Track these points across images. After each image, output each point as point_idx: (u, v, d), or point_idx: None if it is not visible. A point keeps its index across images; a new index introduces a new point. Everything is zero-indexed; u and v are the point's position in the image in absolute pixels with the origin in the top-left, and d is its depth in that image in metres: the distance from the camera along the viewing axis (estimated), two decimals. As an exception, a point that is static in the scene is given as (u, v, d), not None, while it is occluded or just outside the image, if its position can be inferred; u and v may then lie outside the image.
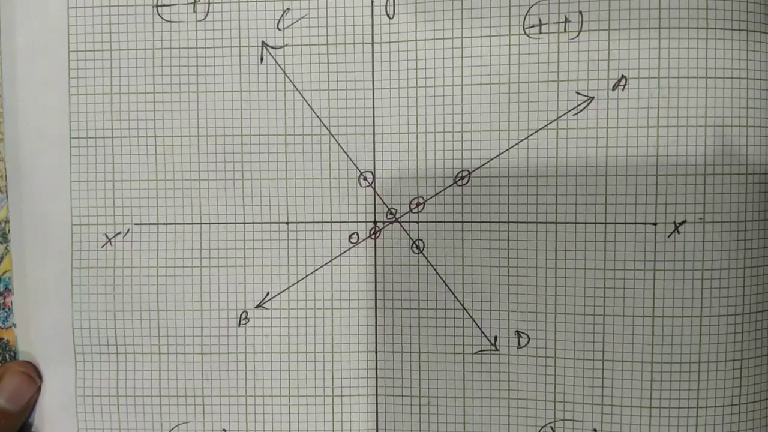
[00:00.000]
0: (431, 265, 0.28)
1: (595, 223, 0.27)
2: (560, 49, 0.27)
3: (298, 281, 0.29)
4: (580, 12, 0.27)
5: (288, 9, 0.28)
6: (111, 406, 0.30)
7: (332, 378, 0.29)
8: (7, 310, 0.30)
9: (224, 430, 0.30)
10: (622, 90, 0.27)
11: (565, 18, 0.27)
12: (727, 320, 0.27)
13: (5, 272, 0.30)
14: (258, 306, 0.29)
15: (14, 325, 0.30)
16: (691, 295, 0.27)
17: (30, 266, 0.30)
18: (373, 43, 0.28)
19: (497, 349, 0.28)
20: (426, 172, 0.28)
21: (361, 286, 0.29)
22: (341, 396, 0.29)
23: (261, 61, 0.29)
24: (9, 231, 0.30)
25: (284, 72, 0.29)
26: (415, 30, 0.28)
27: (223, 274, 0.29)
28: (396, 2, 0.28)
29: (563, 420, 0.28)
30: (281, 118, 0.29)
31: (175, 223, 0.29)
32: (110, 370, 0.30)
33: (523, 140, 0.27)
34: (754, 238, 0.27)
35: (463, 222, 0.28)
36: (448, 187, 0.28)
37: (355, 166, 0.29)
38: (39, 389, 0.29)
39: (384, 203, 0.29)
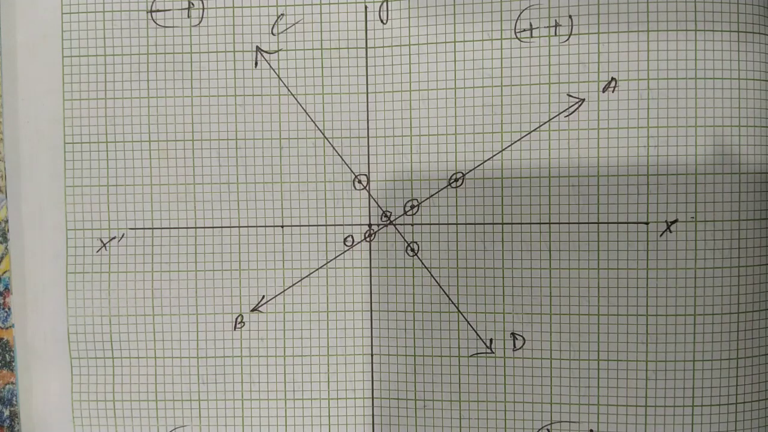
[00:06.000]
0: (426, 268, 0.30)
1: (588, 223, 0.29)
2: (551, 52, 0.29)
3: (293, 284, 0.31)
4: (570, 16, 0.29)
5: (282, 14, 0.30)
6: (107, 410, 0.31)
7: (328, 381, 0.31)
8: (6, 309, 0.31)
9: (220, 435, 0.31)
10: (612, 92, 0.29)
11: (556, 22, 0.29)
12: (721, 319, 0.28)
13: (5, 272, 0.31)
14: (253, 309, 0.31)
15: (14, 325, 0.31)
16: (684, 293, 0.28)
17: (28, 268, 0.31)
18: (366, 48, 0.30)
19: (493, 352, 0.30)
20: (420, 175, 0.30)
21: (356, 289, 0.31)
22: (337, 399, 0.31)
23: (255, 66, 0.30)
24: (8, 231, 0.31)
25: (279, 76, 0.30)
26: (408, 35, 0.30)
27: (219, 278, 0.31)
28: (389, 8, 0.30)
29: (560, 422, 0.29)
30: (276, 122, 0.30)
31: (170, 228, 0.31)
32: (106, 375, 0.31)
33: (515, 142, 0.29)
34: (747, 237, 0.28)
35: (457, 224, 0.30)
36: (442, 189, 0.30)
37: (350, 169, 0.30)
38: None
39: (378, 206, 0.30)
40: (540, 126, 0.29)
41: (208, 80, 0.30)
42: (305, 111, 0.30)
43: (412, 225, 0.30)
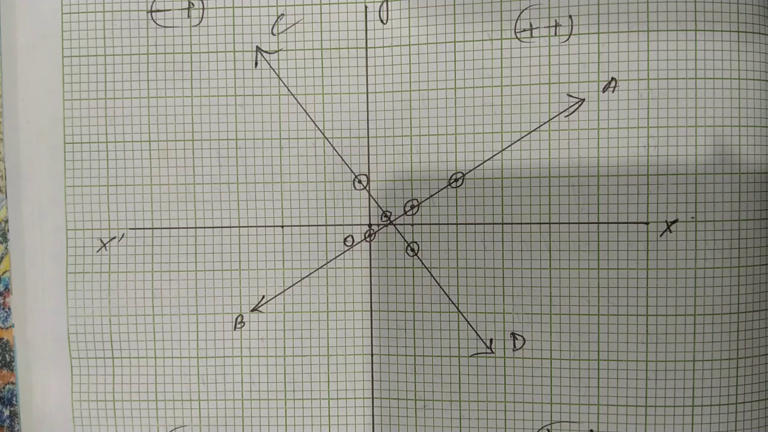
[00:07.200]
0: (426, 268, 0.30)
1: (588, 223, 0.29)
2: (551, 52, 0.29)
3: (293, 284, 0.31)
4: (570, 16, 0.29)
5: (282, 14, 0.30)
6: (107, 410, 0.31)
7: (328, 381, 0.31)
8: (6, 309, 0.32)
9: (220, 435, 0.31)
10: (612, 92, 0.29)
11: (556, 22, 0.29)
12: (721, 319, 0.28)
13: (5, 272, 0.32)
14: (253, 309, 0.31)
15: (14, 325, 0.32)
16: (684, 293, 0.28)
17: (28, 268, 0.31)
18: (366, 48, 0.30)
19: (493, 352, 0.30)
20: (420, 175, 0.30)
21: (356, 289, 0.31)
22: (337, 399, 0.31)
23: (255, 66, 0.30)
24: (8, 231, 0.32)
25: (279, 76, 0.30)
26: (408, 35, 0.30)
27: (219, 278, 0.31)
28: (389, 7, 0.30)
29: (560, 422, 0.29)
30: (276, 122, 0.31)
31: (170, 228, 0.31)
32: (106, 375, 0.31)
33: (515, 142, 0.29)
34: (747, 237, 0.28)
35: (457, 224, 0.30)
36: (442, 189, 0.30)
37: (350, 169, 0.30)
38: None
39: (378, 206, 0.30)
40: (540, 126, 0.29)
41: (208, 80, 0.31)
42: (305, 111, 0.30)
43: (412, 225, 0.30)
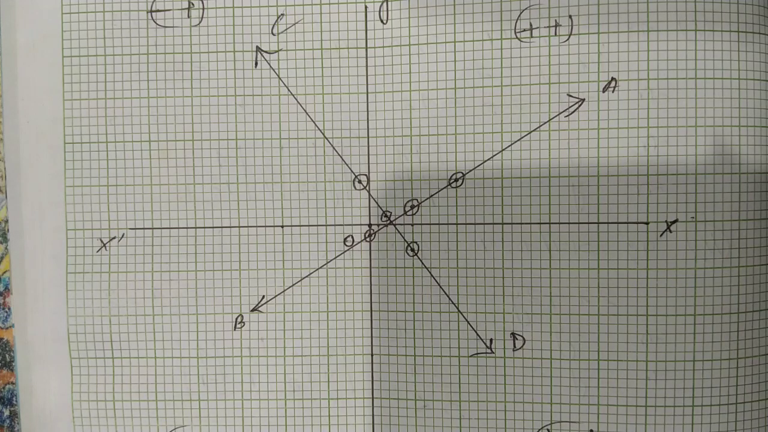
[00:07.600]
0: (426, 268, 0.30)
1: (588, 223, 0.29)
2: (551, 52, 0.29)
3: (293, 284, 0.31)
4: (570, 16, 0.29)
5: (282, 14, 0.30)
6: (107, 410, 0.31)
7: (328, 381, 0.31)
8: (6, 309, 0.32)
9: (220, 435, 0.31)
10: (612, 92, 0.29)
11: (556, 22, 0.29)
12: (721, 319, 0.28)
13: (5, 272, 0.32)
14: (253, 309, 0.31)
15: (14, 325, 0.32)
16: (684, 293, 0.28)
17: (27, 268, 0.31)
18: (366, 48, 0.30)
19: (493, 352, 0.30)
20: (420, 175, 0.30)
21: (356, 289, 0.31)
22: (337, 399, 0.31)
23: (255, 66, 0.30)
24: (8, 231, 0.32)
25: (279, 76, 0.30)
26: (408, 35, 0.30)
27: (219, 278, 0.31)
28: (389, 7, 0.30)
29: (560, 422, 0.29)
30: (276, 122, 0.31)
31: (170, 228, 0.31)
32: (106, 375, 0.31)
33: (515, 142, 0.29)
34: (747, 237, 0.28)
35: (457, 224, 0.30)
36: (442, 189, 0.30)
37: (350, 169, 0.30)
38: None
39: (378, 206, 0.30)
40: (540, 126, 0.29)
41: (208, 80, 0.31)
42: (305, 111, 0.30)
43: (412, 225, 0.30)
